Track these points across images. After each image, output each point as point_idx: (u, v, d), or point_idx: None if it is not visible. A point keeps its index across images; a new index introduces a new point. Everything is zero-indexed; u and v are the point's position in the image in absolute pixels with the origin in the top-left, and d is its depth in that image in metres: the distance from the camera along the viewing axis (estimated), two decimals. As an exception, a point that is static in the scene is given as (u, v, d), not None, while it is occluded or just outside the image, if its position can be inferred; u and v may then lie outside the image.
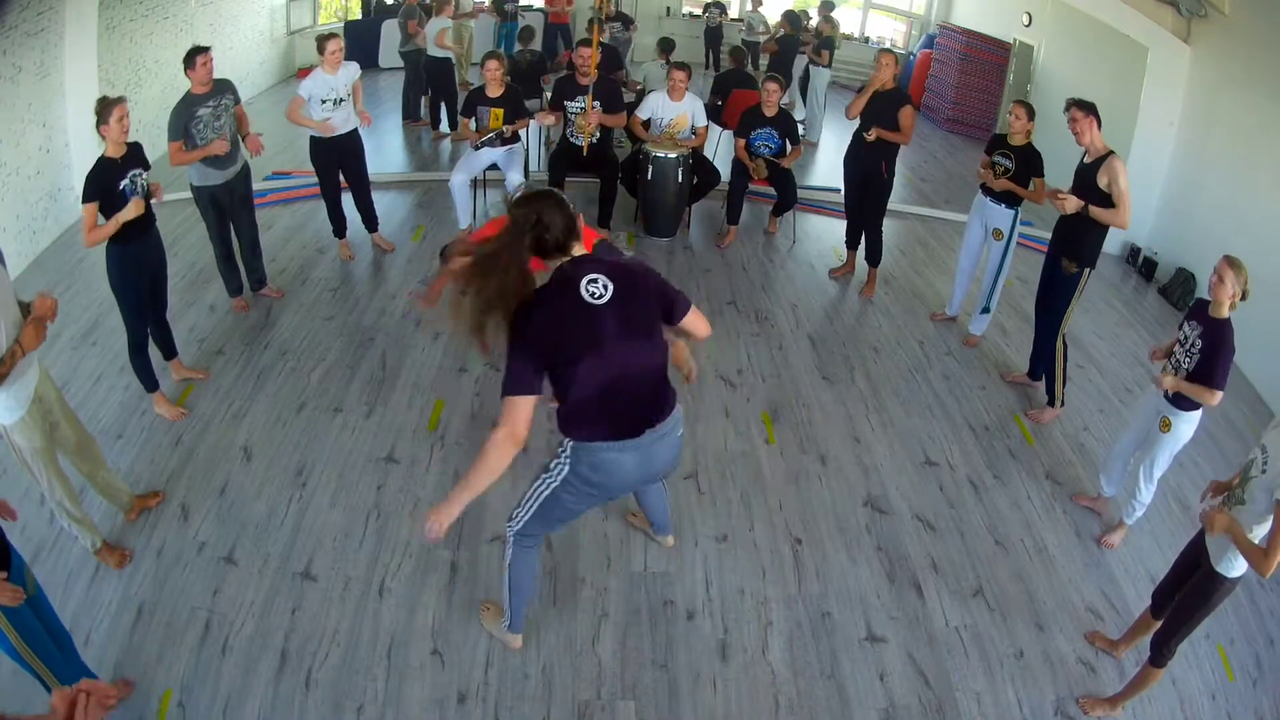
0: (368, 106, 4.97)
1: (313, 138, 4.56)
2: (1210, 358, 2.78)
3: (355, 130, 4.63)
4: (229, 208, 4.07)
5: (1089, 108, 3.58)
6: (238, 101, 4.05)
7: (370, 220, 5.03)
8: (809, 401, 4.01)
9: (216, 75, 3.86)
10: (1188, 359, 2.87)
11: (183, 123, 3.77)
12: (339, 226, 4.94)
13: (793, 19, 8.09)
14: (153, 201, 3.30)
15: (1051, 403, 4.01)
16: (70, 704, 1.31)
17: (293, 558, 2.93)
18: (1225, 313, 2.78)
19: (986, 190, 4.32)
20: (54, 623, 2.20)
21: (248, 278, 4.40)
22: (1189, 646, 2.81)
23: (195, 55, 3.76)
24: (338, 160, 4.65)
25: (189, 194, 4.10)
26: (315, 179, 4.76)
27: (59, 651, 2.14)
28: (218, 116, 3.86)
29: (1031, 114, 4.12)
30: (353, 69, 4.55)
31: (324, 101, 4.44)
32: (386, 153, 6.85)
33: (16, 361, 2.32)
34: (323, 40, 4.41)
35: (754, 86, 6.27)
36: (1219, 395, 2.78)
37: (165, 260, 3.49)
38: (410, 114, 7.41)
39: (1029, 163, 4.11)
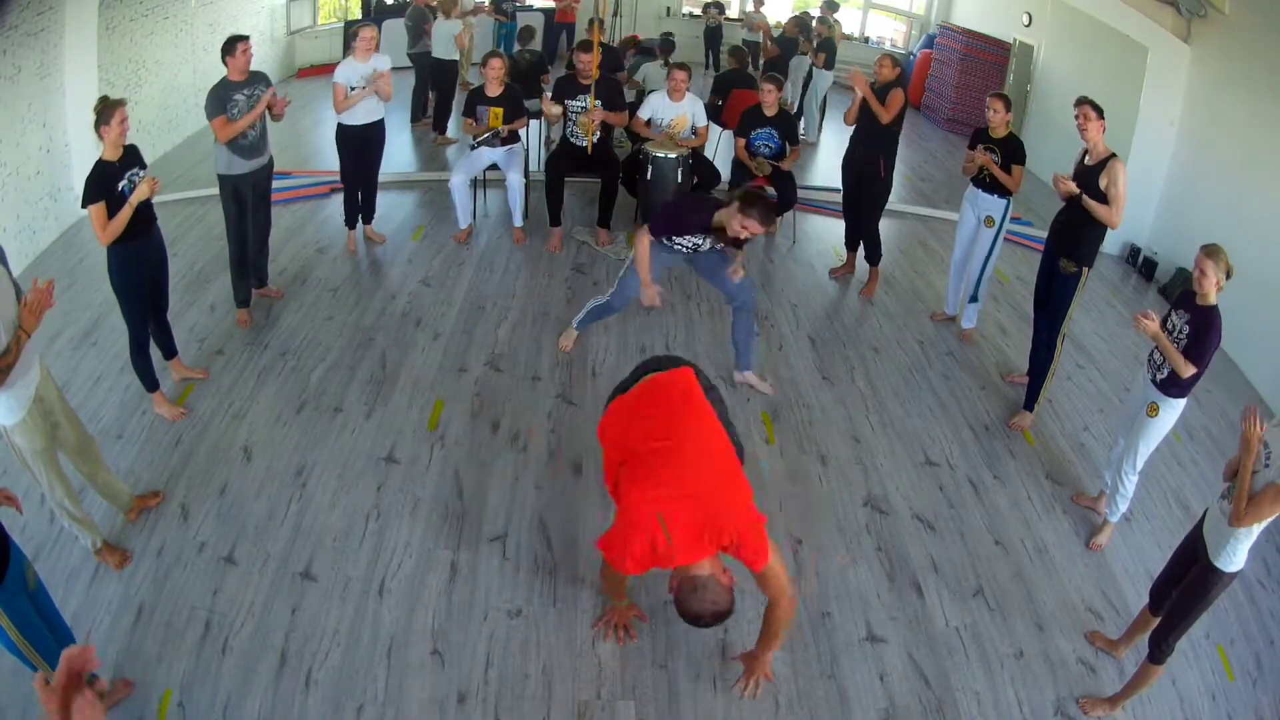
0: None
1: (340, 125, 4.67)
2: (1195, 339, 2.83)
3: (381, 121, 4.76)
4: (248, 202, 4.07)
5: (1101, 111, 3.64)
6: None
7: (369, 211, 5.12)
8: (809, 401, 4.01)
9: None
10: (1176, 346, 2.90)
11: (221, 102, 3.81)
12: (351, 216, 5.03)
13: (802, 24, 8.05)
14: (152, 200, 3.30)
15: (1030, 407, 3.97)
16: (62, 700, 1.27)
17: (293, 558, 2.93)
18: (1213, 300, 2.81)
19: (978, 181, 4.39)
20: (55, 618, 2.21)
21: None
22: (1189, 646, 2.82)
23: (236, 43, 3.83)
24: (361, 148, 4.76)
25: (189, 194, 4.10)
26: (315, 179, 4.78)
27: (60, 648, 2.13)
28: (251, 106, 3.91)
29: (1009, 105, 4.24)
30: (384, 60, 4.65)
31: (353, 88, 4.57)
32: (389, 152, 6.80)
33: (23, 347, 2.33)
34: (357, 29, 4.59)
35: (754, 86, 6.24)
36: (1193, 369, 2.84)
37: (166, 259, 3.49)
38: (418, 116, 7.42)
39: (1012, 152, 4.22)
